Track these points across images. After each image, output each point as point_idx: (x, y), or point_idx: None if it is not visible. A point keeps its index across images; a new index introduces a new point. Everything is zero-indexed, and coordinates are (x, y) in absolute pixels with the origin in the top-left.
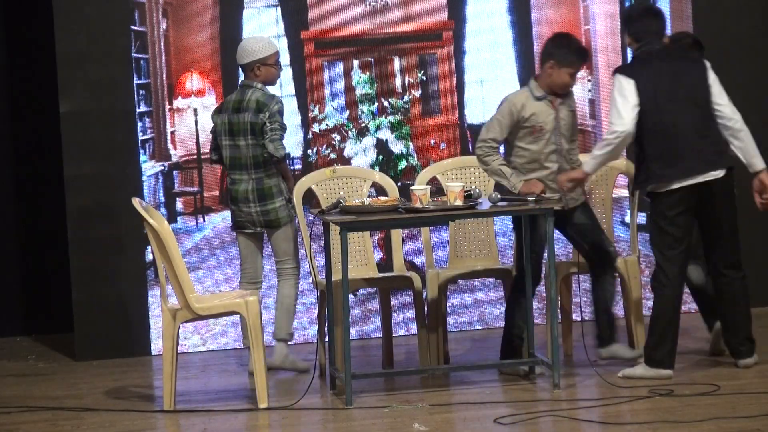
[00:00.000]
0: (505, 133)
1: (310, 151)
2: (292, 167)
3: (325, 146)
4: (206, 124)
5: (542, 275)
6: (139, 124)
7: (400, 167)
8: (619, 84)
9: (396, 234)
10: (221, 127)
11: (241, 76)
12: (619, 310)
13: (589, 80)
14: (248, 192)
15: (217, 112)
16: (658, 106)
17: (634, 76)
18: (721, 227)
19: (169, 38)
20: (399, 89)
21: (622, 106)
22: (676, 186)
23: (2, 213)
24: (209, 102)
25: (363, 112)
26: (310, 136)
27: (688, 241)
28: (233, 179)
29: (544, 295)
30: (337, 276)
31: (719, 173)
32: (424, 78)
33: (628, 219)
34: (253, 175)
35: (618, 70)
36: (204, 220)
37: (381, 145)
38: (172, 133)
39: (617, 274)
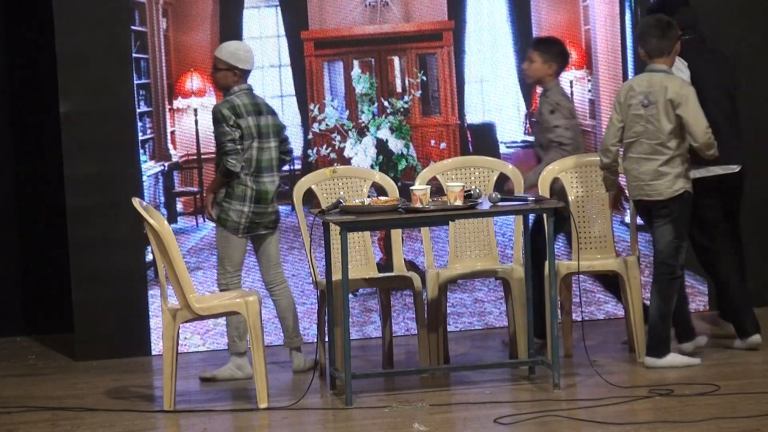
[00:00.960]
0: None
1: (310, 151)
2: (291, 167)
3: (325, 146)
4: (206, 125)
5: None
6: (139, 124)
7: (400, 167)
8: (676, 67)
9: (396, 234)
10: (250, 131)
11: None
12: (618, 310)
13: (589, 80)
14: (275, 193)
15: (238, 116)
16: (704, 94)
17: (687, 59)
18: (735, 209)
19: (169, 38)
20: (399, 89)
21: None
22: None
23: (2, 213)
24: (209, 102)
25: (363, 112)
26: (310, 136)
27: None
28: (260, 181)
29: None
30: (337, 276)
31: (737, 168)
32: (424, 78)
33: (628, 219)
34: (278, 176)
35: None
36: (204, 220)
37: (381, 145)
38: (172, 133)
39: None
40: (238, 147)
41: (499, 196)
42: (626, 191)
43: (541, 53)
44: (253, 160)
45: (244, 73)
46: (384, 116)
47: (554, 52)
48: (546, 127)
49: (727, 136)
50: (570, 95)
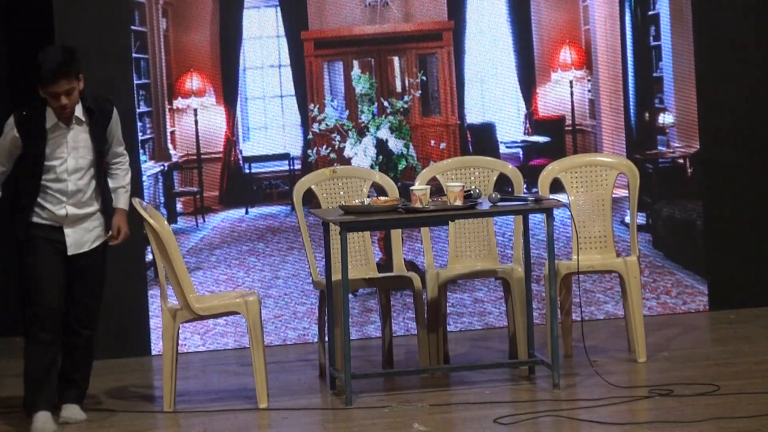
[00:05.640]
0: None
1: (310, 151)
2: (292, 167)
3: (325, 146)
4: (206, 124)
5: None
6: (139, 124)
7: (400, 167)
8: None
9: (396, 234)
10: None
11: (243, 78)
12: (618, 310)
13: (588, 80)
14: None
15: None
16: None
17: None
18: None
19: (169, 38)
20: (399, 89)
21: None
22: None
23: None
24: (209, 102)
25: (363, 112)
26: (310, 136)
27: None
28: None
29: (544, 295)
30: (337, 276)
31: None
32: (424, 78)
33: (628, 219)
34: None
35: None
36: (204, 220)
37: (381, 145)
38: (172, 133)
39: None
40: None
41: (499, 196)
42: None
43: None
44: None
45: None
46: (384, 116)
47: None
48: None
49: None
50: (570, 95)
